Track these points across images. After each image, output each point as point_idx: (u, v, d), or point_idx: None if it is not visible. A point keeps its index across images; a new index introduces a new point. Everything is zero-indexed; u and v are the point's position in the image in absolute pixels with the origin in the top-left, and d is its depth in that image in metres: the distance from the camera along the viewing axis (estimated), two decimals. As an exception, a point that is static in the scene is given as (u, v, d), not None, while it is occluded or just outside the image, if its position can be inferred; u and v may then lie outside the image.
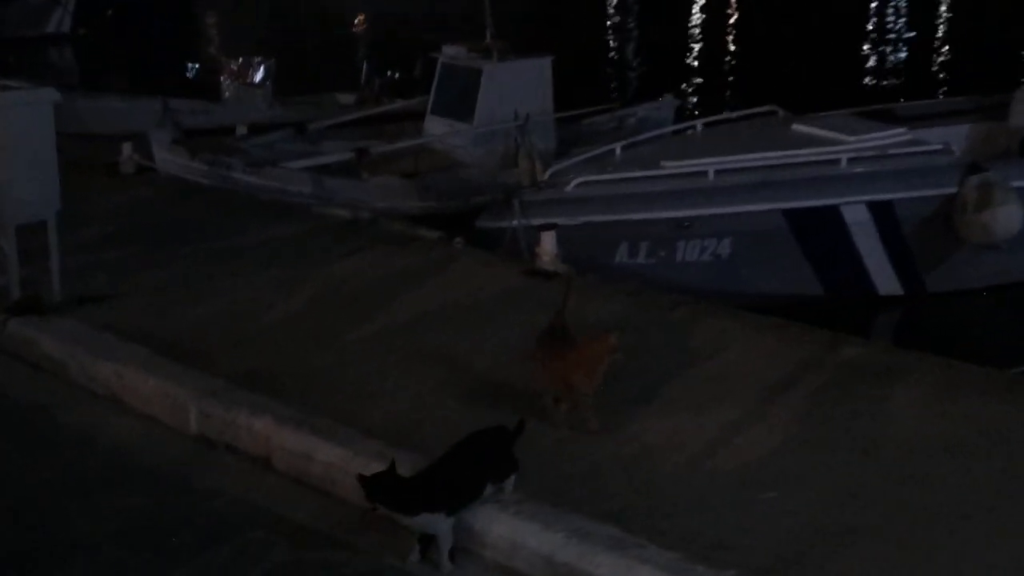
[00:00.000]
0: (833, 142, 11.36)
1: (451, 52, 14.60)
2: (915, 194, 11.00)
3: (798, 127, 11.96)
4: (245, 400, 6.06)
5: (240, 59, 17.97)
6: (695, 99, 22.00)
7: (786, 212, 10.82)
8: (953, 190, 10.90)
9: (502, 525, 4.93)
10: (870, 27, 32.05)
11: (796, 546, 4.74)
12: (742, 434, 5.69)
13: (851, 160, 11.09)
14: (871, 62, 26.66)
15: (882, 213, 11.02)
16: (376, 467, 5.19)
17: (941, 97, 18.06)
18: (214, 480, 5.71)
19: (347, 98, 16.92)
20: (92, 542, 5.20)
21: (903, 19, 33.47)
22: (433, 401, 6.11)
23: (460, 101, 14.10)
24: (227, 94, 17.45)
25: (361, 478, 4.84)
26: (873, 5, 35.52)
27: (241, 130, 14.48)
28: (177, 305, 7.56)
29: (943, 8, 34.69)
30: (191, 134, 13.91)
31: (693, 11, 36.01)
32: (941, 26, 32.15)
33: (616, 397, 5.94)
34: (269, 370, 6.53)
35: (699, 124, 12.88)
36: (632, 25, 34.68)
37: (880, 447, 5.54)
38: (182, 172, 12.54)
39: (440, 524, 4.81)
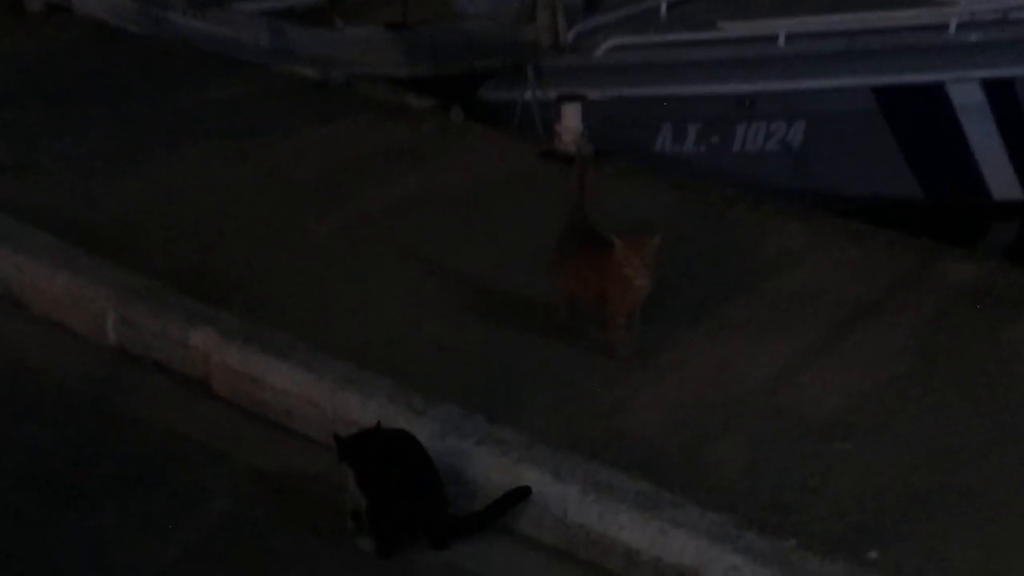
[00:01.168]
0: (940, 2, 11.25)
1: None
2: (1044, 71, 10.93)
3: (895, -19, 11.85)
4: (178, 305, 6.07)
5: None
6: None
7: (876, 90, 10.74)
8: (1092, 68, 10.82)
9: (502, 473, 4.96)
10: None
11: (873, 511, 4.77)
12: (811, 369, 5.71)
13: (962, 26, 10.98)
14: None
15: (1000, 94, 10.93)
16: (344, 396, 5.23)
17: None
18: (138, 406, 5.74)
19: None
20: (-18, 482, 5.25)
21: None
22: (419, 314, 6.13)
23: (464, -68, 13.94)
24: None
25: (338, 440, 4.85)
26: None
27: (181, -39, 14.33)
28: (95, 182, 7.56)
29: None
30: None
31: None
32: None
33: (653, 316, 5.94)
34: (210, 269, 6.54)
35: (769, -26, 12.76)
36: None
37: (988, 392, 5.55)
38: (105, 13, 12.39)
39: None
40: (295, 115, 8.69)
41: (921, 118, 10.91)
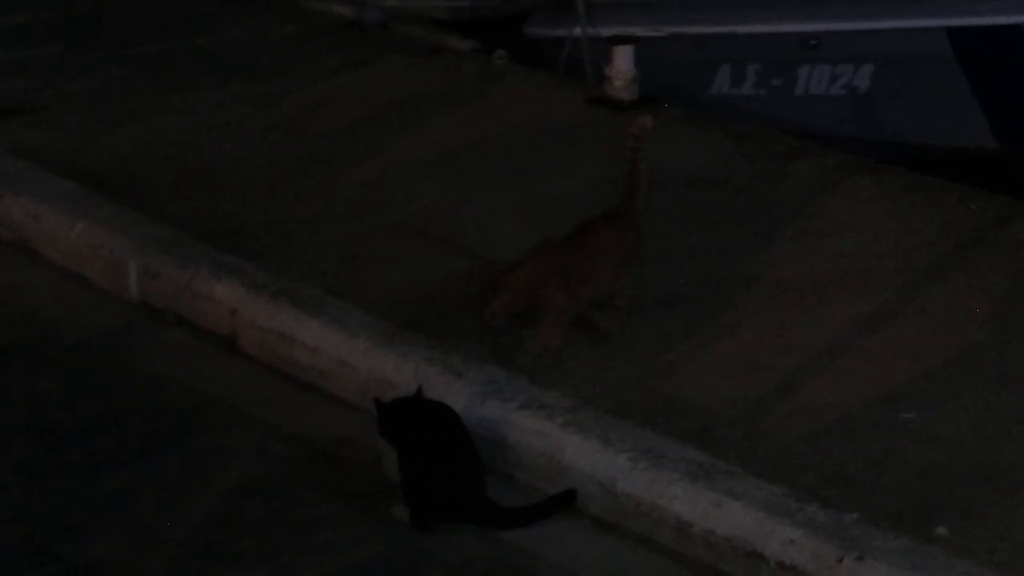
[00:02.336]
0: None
1: None
2: None
3: (973, -84, 11.77)
4: (204, 257, 6.11)
5: None
6: None
7: (951, 32, 10.69)
8: None
9: (546, 439, 4.98)
10: None
11: (940, 485, 4.76)
12: (876, 332, 5.71)
13: (1045, -36, 10.93)
14: None
15: (1084, 39, 10.89)
16: (380, 356, 5.27)
17: None
18: (160, 363, 5.79)
19: None
20: (-5, 436, 5.30)
21: None
22: (456, 271, 6.14)
23: None
24: None
25: (379, 409, 4.89)
26: None
27: None
28: (116, 125, 7.60)
29: None
30: None
31: None
32: None
33: (706, 277, 5.95)
34: (237, 218, 6.58)
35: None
36: None
37: (1064, 359, 5.55)
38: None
39: None
40: (327, 57, 8.69)
41: (998, 63, 10.85)
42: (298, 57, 8.66)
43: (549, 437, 4.98)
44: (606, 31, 9.48)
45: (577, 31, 10.18)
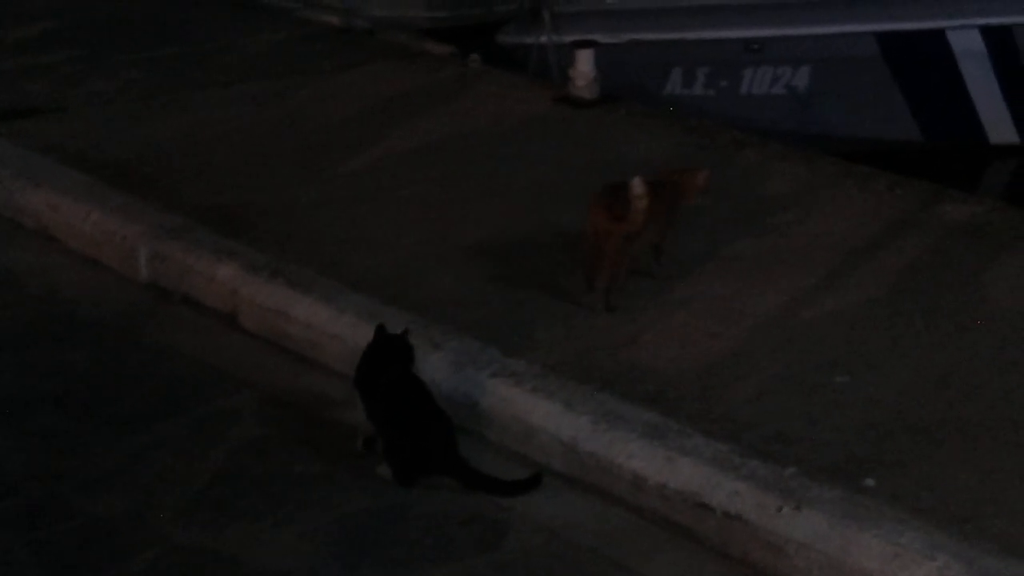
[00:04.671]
0: (943, -49, 11.16)
1: None
2: (1042, 19, 10.84)
3: (901, -70, 11.74)
4: (208, 241, 6.06)
5: None
6: None
7: (880, 36, 10.68)
8: (1090, 15, 10.74)
9: (515, 404, 4.94)
10: None
11: (872, 441, 4.73)
12: (814, 305, 5.67)
13: (963, -26, 10.91)
14: None
15: (999, 41, 10.85)
16: (366, 330, 5.22)
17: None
18: (168, 338, 5.74)
19: None
20: (22, 403, 5.26)
21: None
22: (437, 251, 6.10)
23: None
24: None
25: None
26: None
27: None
28: (128, 122, 7.55)
29: None
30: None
31: None
32: None
33: (665, 253, 5.92)
34: (238, 206, 6.52)
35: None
36: None
37: (984, 326, 5.51)
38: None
39: None
40: (320, 61, 8.66)
41: (922, 64, 10.84)
42: (294, 60, 8.63)
43: (518, 402, 4.95)
44: (570, 37, 9.45)
45: (544, 38, 10.14)
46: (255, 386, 5.38)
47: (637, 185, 5.40)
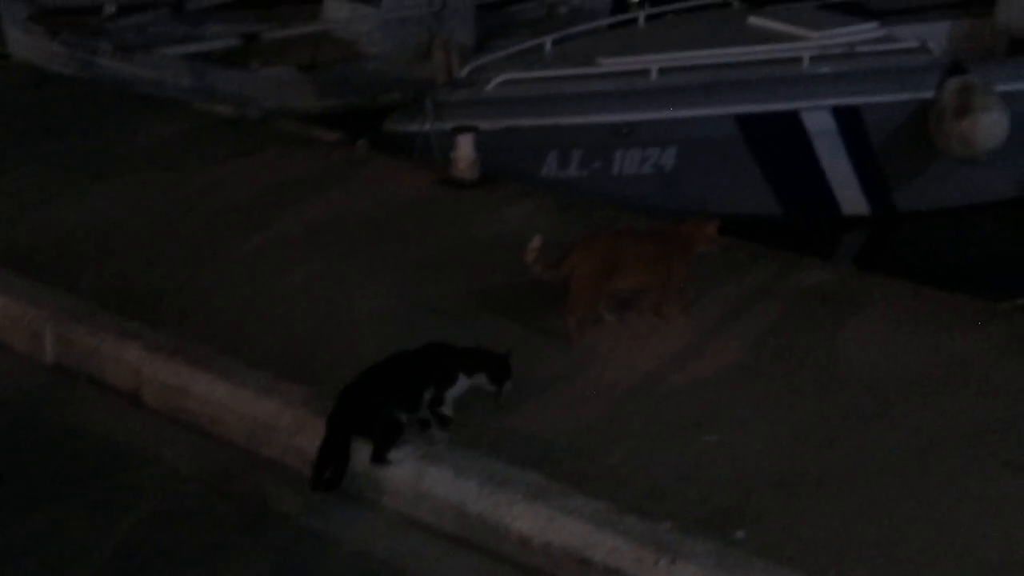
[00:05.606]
0: (794, 38, 11.36)
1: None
2: (887, 99, 11.05)
3: (754, 21, 11.94)
4: (111, 324, 6.01)
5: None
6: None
7: (739, 118, 10.84)
8: (930, 94, 10.96)
9: (405, 469, 4.96)
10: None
11: (740, 495, 4.81)
12: (682, 369, 5.74)
13: (814, 59, 11.11)
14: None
15: (849, 120, 11.08)
16: (265, 404, 5.22)
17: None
18: (74, 417, 5.68)
19: (232, -26, 16.66)
20: (-73, 485, 5.18)
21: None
22: (331, 328, 6.10)
23: (367, -20, 13.94)
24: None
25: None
26: None
27: (109, 8, 14.21)
28: (32, 212, 7.46)
29: None
30: (50, 12, 13.64)
31: None
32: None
33: (538, 326, 5.97)
34: (140, 290, 6.48)
35: (641, 15, 12.83)
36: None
37: (839, 383, 5.63)
38: (38, 56, 12.30)
39: None
40: (215, 149, 8.62)
41: (778, 142, 11.04)
42: (191, 150, 8.58)
43: (409, 468, 4.96)
44: (451, 124, 9.51)
45: (427, 125, 10.21)
46: (159, 462, 5.34)
47: (533, 241, 5.76)
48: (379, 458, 4.95)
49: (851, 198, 11.46)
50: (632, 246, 6.01)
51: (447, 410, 5.08)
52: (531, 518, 4.67)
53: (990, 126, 10.69)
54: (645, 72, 10.82)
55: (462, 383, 5.13)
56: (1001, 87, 10.92)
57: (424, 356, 5.17)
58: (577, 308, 5.90)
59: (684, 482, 4.88)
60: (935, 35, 12.18)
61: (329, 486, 4.92)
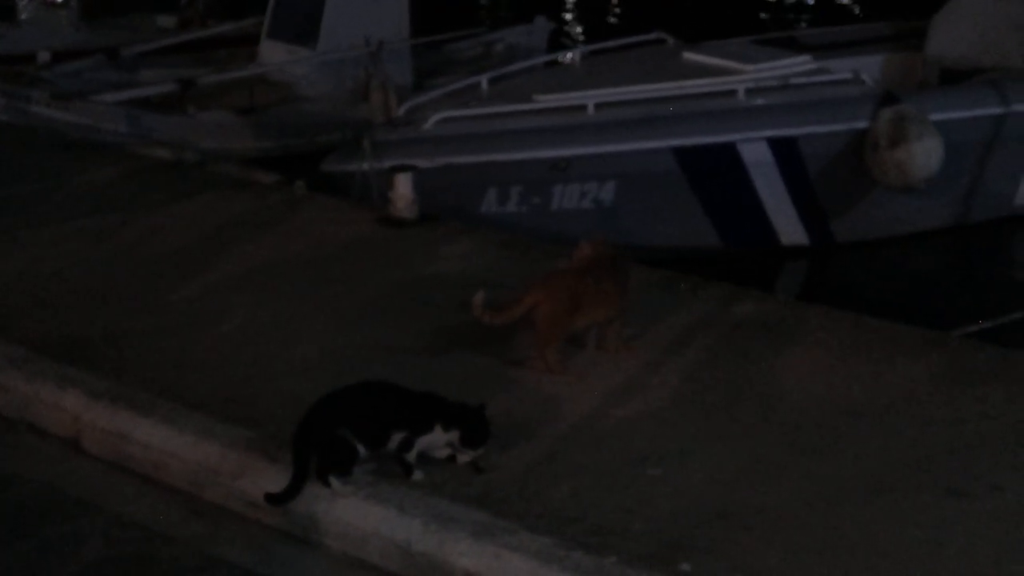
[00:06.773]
0: (729, 71, 11.45)
1: (291, -37, 14.43)
2: (822, 129, 11.14)
3: (689, 56, 12.03)
4: (50, 371, 5.96)
5: (39, -28, 17.51)
6: (572, 23, 22.03)
7: (676, 151, 10.90)
8: (865, 124, 11.07)
9: (351, 510, 4.93)
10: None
11: (684, 529, 4.81)
12: (624, 403, 5.75)
13: (749, 91, 11.20)
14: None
15: (785, 151, 11.15)
16: (207, 448, 5.18)
17: (850, 25, 18.30)
18: (13, 465, 5.61)
19: (167, 20, 16.61)
20: None
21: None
22: (271, 371, 6.07)
23: (302, 23, 13.94)
24: (24, 15, 17.01)
25: None
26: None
27: (43, 57, 14.15)
28: (-30, 261, 7.41)
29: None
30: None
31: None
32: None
33: (478, 363, 5.96)
34: (79, 337, 6.43)
35: (577, 52, 12.90)
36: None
37: (780, 414, 5.65)
38: (-29, 106, 12.23)
39: None
40: (153, 193, 8.60)
41: (716, 175, 11.09)
42: (127, 194, 8.56)
43: (354, 508, 4.93)
44: (389, 163, 9.51)
45: (365, 165, 10.19)
46: (100, 508, 5.28)
47: (476, 297, 5.84)
48: (321, 477, 4.91)
49: (790, 228, 11.53)
50: (593, 283, 6.01)
51: (411, 458, 5.05)
52: (477, 556, 4.65)
53: (925, 154, 10.79)
54: (582, 107, 10.86)
55: (437, 435, 5.09)
56: (935, 116, 11.04)
57: (407, 396, 5.12)
58: (550, 342, 5.94)
59: (629, 516, 4.88)
60: (868, 68, 12.32)
61: (279, 500, 4.89)
